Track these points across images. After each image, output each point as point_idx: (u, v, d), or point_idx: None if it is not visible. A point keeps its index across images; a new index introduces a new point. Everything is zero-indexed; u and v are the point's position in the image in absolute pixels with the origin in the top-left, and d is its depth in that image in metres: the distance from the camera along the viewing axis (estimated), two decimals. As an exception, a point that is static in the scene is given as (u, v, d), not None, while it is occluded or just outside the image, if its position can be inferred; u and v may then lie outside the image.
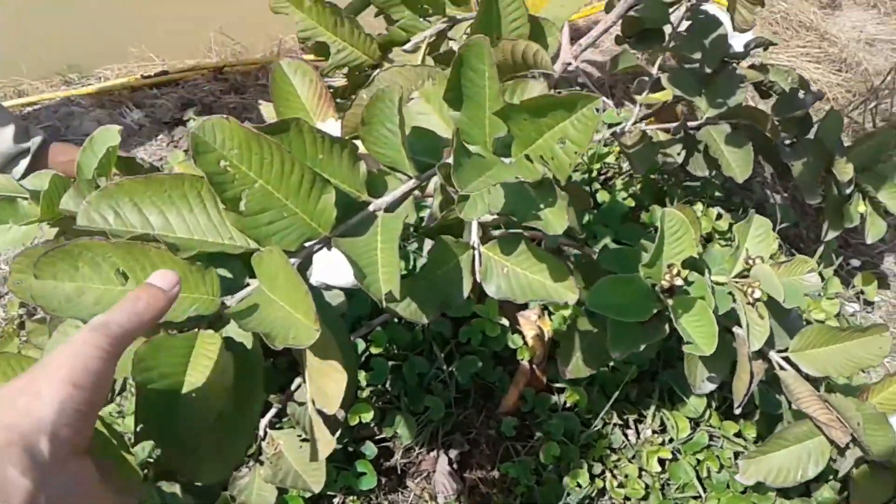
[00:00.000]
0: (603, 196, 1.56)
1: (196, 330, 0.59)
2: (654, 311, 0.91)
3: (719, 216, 1.56)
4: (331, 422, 0.68)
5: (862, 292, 1.65)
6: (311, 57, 2.21)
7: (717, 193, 1.64)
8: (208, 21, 2.37)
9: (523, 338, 1.28)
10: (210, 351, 0.57)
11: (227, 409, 0.60)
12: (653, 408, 1.27)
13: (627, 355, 0.93)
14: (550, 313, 1.33)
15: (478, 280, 0.75)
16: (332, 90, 0.86)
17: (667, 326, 0.95)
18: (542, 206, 0.65)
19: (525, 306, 1.32)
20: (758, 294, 0.96)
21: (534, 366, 1.27)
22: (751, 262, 1.00)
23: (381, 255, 0.65)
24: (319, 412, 0.65)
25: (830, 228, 1.45)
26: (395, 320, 1.30)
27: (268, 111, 0.87)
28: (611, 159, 1.67)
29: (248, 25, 2.37)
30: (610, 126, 1.61)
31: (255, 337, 0.61)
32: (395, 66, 0.76)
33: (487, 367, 1.28)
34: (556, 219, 0.63)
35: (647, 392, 1.30)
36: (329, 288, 0.73)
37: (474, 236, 0.76)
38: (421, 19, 0.91)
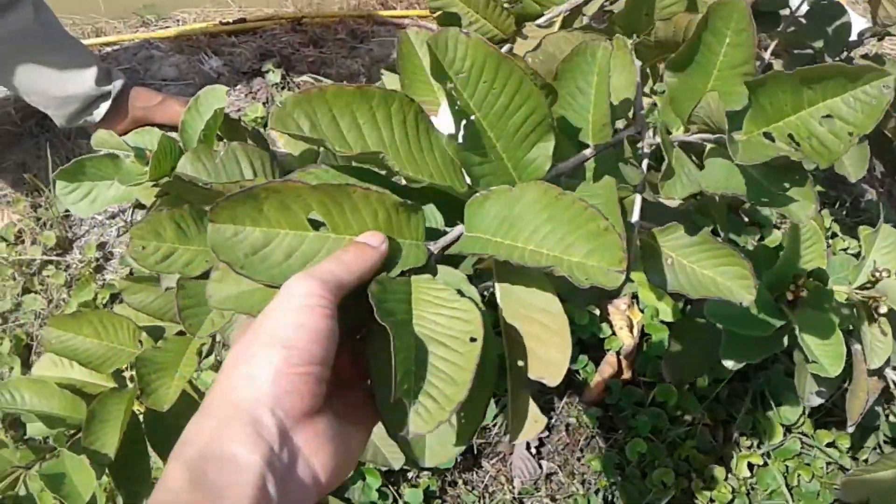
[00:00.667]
0: (701, 183, 1.50)
1: (408, 276, 0.51)
2: (777, 325, 0.86)
3: (819, 212, 1.49)
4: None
5: (959, 301, 1.57)
6: (399, 13, 2.16)
7: (819, 187, 1.57)
8: (285, -32, 2.32)
9: (612, 327, 1.24)
10: (435, 297, 0.49)
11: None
12: (744, 410, 1.23)
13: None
14: (640, 302, 1.28)
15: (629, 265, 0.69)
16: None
17: (785, 340, 0.90)
18: (785, 187, 0.57)
19: (616, 294, 1.27)
20: (884, 309, 0.90)
21: (621, 357, 1.23)
22: (877, 274, 0.94)
23: None
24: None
25: (941, 234, 1.37)
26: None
27: (390, 81, 0.83)
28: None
29: (324, -25, 2.32)
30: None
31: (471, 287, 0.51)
32: (563, 31, 0.71)
33: (573, 353, 1.24)
34: (802, 206, 0.56)
35: (738, 393, 1.25)
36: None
37: (636, 217, 0.71)
38: (555, -7, 0.85)
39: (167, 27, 2.08)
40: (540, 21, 0.85)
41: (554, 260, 0.48)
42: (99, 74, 1.60)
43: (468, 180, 0.53)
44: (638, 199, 0.67)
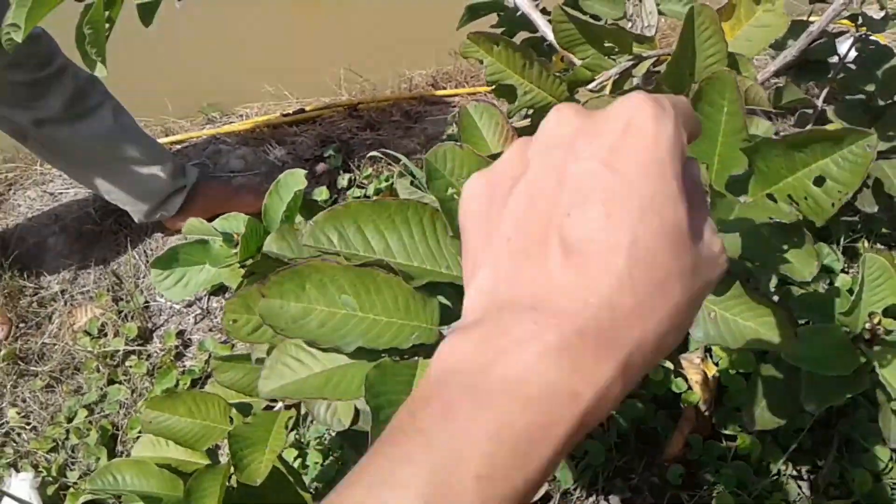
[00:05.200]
0: (759, 232, 1.50)
1: (416, 358, 0.59)
2: (858, 364, 0.86)
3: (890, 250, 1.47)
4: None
5: None
6: (450, 92, 2.23)
7: (883, 230, 1.56)
8: (337, 59, 2.44)
9: (686, 381, 1.24)
10: None
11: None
12: (830, 459, 1.20)
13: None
14: (713, 355, 1.28)
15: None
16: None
17: (868, 380, 0.89)
18: (784, 247, 0.61)
19: (686, 348, 1.27)
20: (965, 344, 0.89)
21: (699, 411, 1.22)
22: (954, 308, 0.93)
23: None
24: None
25: None
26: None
27: (453, 154, 0.87)
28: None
29: (375, 62, 2.43)
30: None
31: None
32: (601, 97, 0.74)
33: (649, 411, 1.24)
34: (804, 264, 0.59)
35: (822, 441, 1.23)
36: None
37: None
38: (606, 58, 0.89)
39: (231, 122, 2.19)
40: (591, 86, 0.88)
41: None
42: (174, 170, 1.69)
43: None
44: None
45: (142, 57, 2.24)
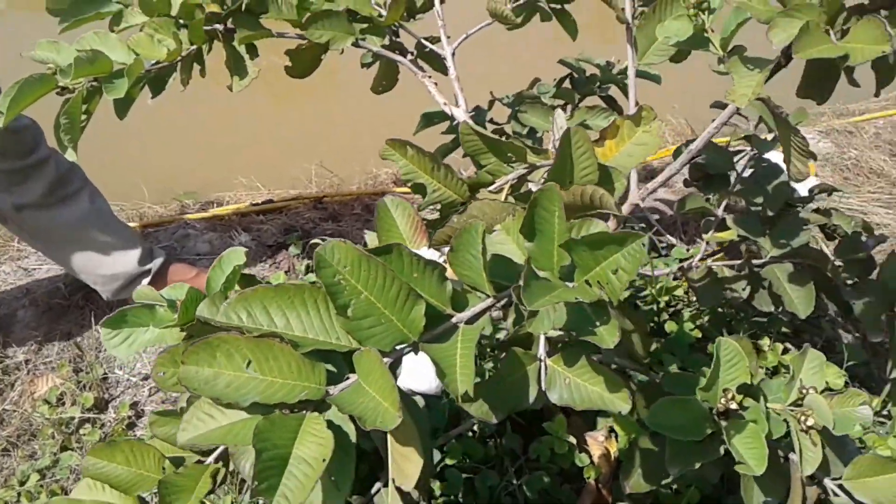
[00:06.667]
0: (671, 327, 1.65)
1: (304, 412, 0.73)
2: (709, 431, 0.99)
3: (786, 351, 1.62)
4: (407, 500, 0.80)
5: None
6: (403, 190, 2.40)
7: (784, 329, 1.71)
8: (310, 154, 2.62)
9: (590, 457, 1.35)
10: (315, 430, 0.71)
11: (325, 481, 0.72)
12: (716, 532, 1.31)
13: (686, 474, 1.00)
14: (617, 435, 1.40)
15: (542, 388, 0.86)
16: (425, 221, 1.01)
17: (722, 448, 1.01)
18: (597, 323, 0.76)
19: (594, 426, 1.39)
20: (811, 422, 1.02)
21: (600, 485, 1.33)
22: (804, 391, 1.07)
23: (460, 360, 0.77)
24: (398, 489, 0.78)
25: (895, 367, 1.49)
26: (470, 434, 1.39)
27: (370, 238, 1.02)
28: (679, 292, 1.76)
29: (345, 160, 2.62)
30: (680, 261, 1.72)
31: (352, 420, 0.73)
32: (487, 199, 0.90)
33: (555, 483, 1.35)
34: (608, 334, 0.74)
35: (711, 516, 1.34)
36: (414, 393, 0.87)
37: (542, 349, 0.87)
38: (505, 165, 1.05)
39: (203, 210, 2.34)
40: (492, 188, 1.04)
41: (376, 403, 0.71)
42: (142, 254, 1.83)
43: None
44: (542, 336, 0.85)
45: (121, 147, 2.41)
